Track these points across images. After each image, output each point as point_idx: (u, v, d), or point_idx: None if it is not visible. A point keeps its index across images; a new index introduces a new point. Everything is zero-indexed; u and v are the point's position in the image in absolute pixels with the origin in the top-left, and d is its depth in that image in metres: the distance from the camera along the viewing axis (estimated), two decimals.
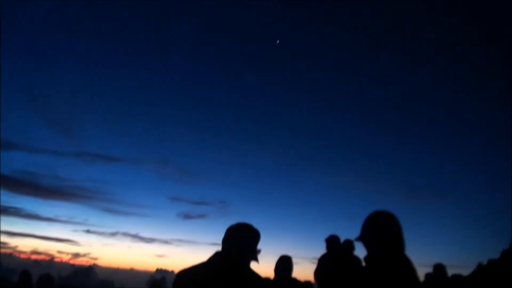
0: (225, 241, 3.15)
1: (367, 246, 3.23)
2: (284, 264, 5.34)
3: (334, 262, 7.14)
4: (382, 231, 3.11)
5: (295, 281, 5.40)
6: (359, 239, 3.28)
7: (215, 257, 3.08)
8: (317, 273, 7.45)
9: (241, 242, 3.05)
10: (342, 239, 7.82)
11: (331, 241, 7.67)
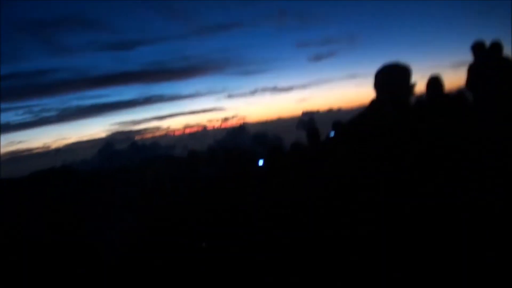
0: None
1: None
2: (435, 84, 5.01)
3: (487, 69, 6.54)
4: None
5: (448, 96, 5.14)
6: None
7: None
8: (469, 84, 6.91)
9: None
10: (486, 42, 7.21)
11: (478, 48, 7.13)
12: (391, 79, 2.33)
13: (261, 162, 6.24)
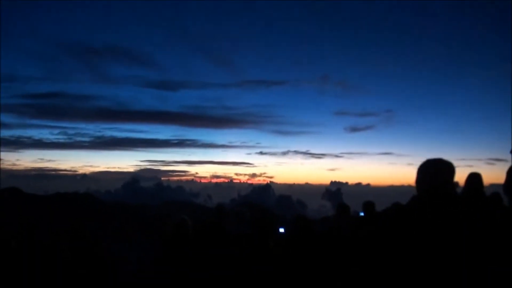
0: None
1: None
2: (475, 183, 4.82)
3: None
4: None
5: (483, 195, 4.95)
6: None
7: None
8: (508, 187, 9.69)
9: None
10: None
11: None
12: (436, 176, 2.30)
13: (282, 230, 6.14)
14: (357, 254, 4.33)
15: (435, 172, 2.55)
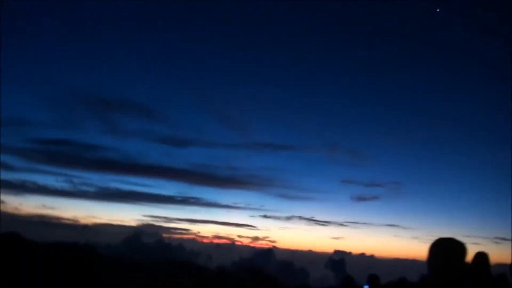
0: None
1: None
2: (483, 262, 4.85)
3: None
4: None
5: (490, 275, 4.97)
6: None
7: None
8: None
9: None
10: None
11: None
12: (449, 258, 2.28)
13: None
14: None
15: (448, 253, 2.57)
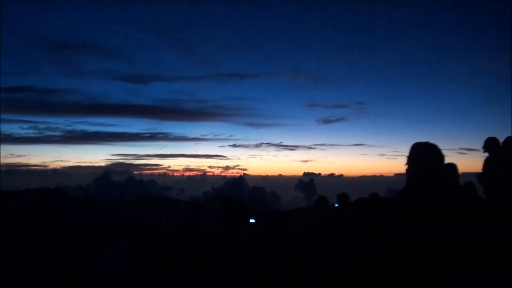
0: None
1: None
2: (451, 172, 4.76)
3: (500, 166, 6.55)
4: None
5: (458, 185, 4.88)
6: None
7: None
8: (484, 176, 7.01)
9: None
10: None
11: (491, 143, 7.09)
12: (428, 163, 2.20)
13: (252, 220, 6.15)
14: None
15: (427, 159, 2.49)
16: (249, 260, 4.40)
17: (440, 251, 2.28)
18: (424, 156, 2.57)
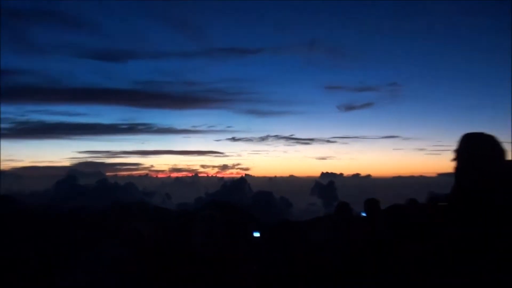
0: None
1: None
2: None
3: None
4: None
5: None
6: None
7: None
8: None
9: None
10: None
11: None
12: (481, 154, 2.16)
13: (257, 234, 6.20)
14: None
15: (482, 155, 2.42)
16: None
17: None
18: (478, 150, 2.55)
